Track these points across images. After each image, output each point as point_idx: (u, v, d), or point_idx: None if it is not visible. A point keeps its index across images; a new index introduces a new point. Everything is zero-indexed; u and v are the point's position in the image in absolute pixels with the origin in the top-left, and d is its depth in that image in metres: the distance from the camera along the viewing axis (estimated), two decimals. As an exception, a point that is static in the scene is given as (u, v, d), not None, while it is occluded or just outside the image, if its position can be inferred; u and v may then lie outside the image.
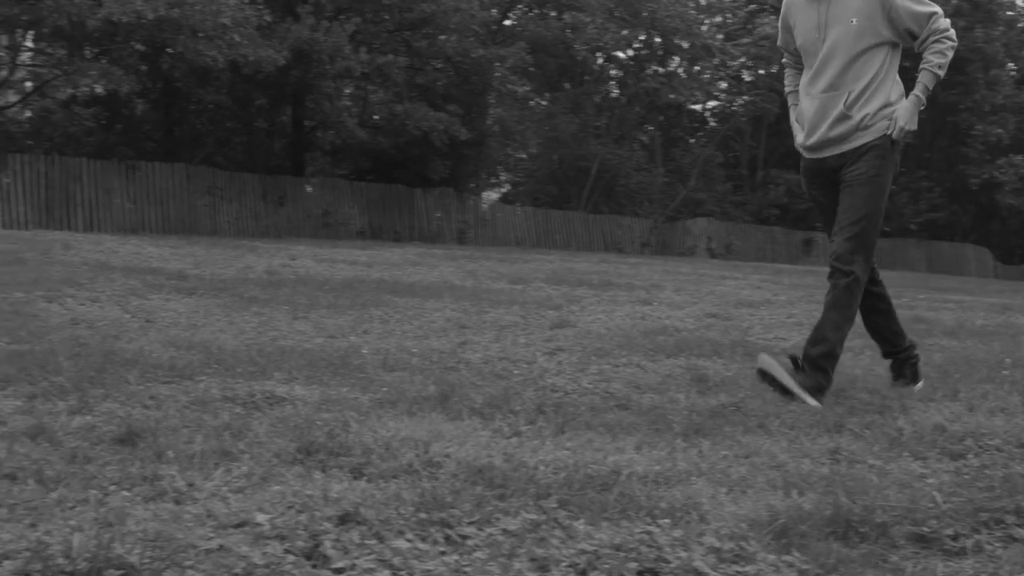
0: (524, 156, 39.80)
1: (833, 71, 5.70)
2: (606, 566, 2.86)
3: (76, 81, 25.49)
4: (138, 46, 26.20)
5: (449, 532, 3.05)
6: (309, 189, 29.39)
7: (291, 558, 2.81)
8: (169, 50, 24.69)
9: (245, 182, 27.73)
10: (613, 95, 38.65)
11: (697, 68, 37.41)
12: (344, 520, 3.07)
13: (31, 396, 4.97)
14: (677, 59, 37.05)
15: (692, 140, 43.42)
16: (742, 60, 38.97)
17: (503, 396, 5.25)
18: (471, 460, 3.81)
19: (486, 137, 33.20)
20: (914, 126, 5.68)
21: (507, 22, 35.50)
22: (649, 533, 3.08)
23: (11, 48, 27.54)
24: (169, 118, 28.69)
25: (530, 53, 31.85)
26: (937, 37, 5.68)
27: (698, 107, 42.66)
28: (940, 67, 5.69)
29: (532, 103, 39.29)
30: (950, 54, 5.71)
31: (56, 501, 3.20)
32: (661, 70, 36.93)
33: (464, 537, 3.03)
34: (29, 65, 28.66)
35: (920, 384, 5.96)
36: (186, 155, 27.79)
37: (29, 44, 28.11)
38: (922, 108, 5.73)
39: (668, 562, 2.91)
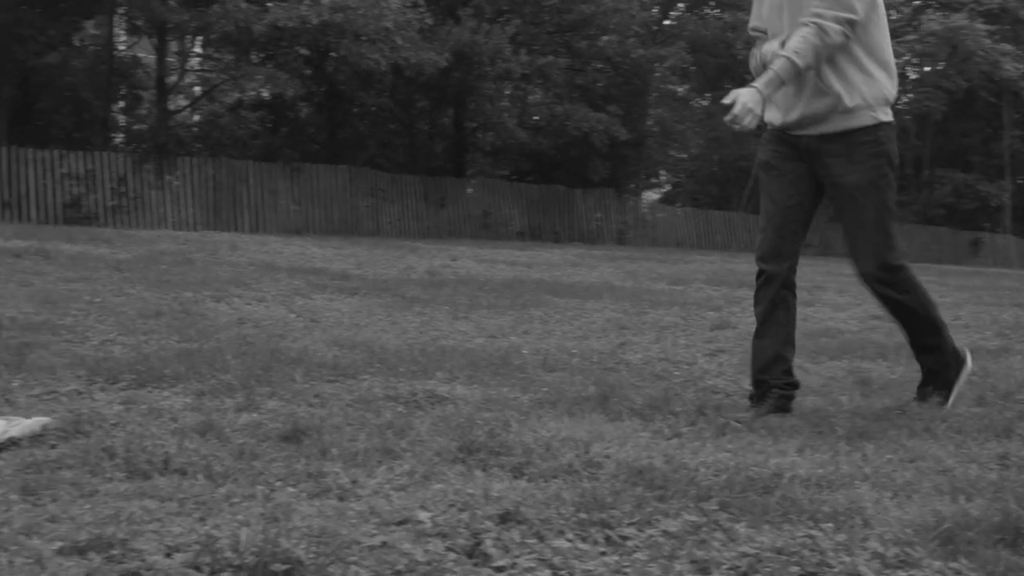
0: (684, 156, 39.58)
1: (789, 30, 5.04)
2: (768, 569, 2.83)
3: (243, 85, 26.05)
4: (303, 50, 26.67)
5: (609, 533, 3.04)
6: (470, 190, 29.60)
7: (452, 556, 2.83)
8: (333, 54, 25.07)
9: (407, 184, 28.03)
10: (774, 94, 38.20)
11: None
12: (505, 519, 3.09)
13: (200, 393, 5.09)
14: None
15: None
16: (907, 57, 38.19)
17: (663, 397, 5.22)
18: (631, 461, 3.80)
19: (646, 137, 33.09)
20: (751, 121, 4.84)
21: (667, 22, 35.34)
22: (812, 537, 3.04)
23: (181, 54, 28.24)
24: (333, 121, 29.12)
25: (690, 53, 31.67)
26: (809, 19, 4.89)
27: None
28: (797, 53, 4.86)
29: (692, 103, 39.05)
30: (816, 40, 4.85)
31: (224, 496, 3.27)
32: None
33: (624, 538, 3.02)
34: (198, 70, 29.37)
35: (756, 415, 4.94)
36: (349, 157, 28.18)
37: (198, 50, 28.79)
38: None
39: (831, 567, 2.86)
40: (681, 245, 31.62)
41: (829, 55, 4.96)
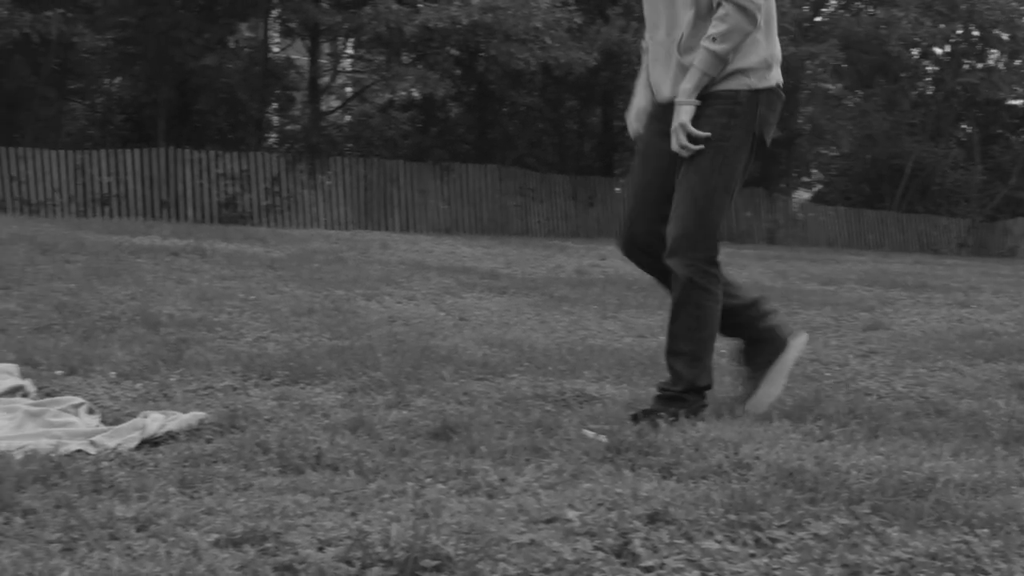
0: (836, 154, 38.99)
1: (664, 16, 4.64)
2: (921, 575, 2.78)
3: (394, 86, 26.29)
4: (453, 51, 26.83)
5: (759, 535, 3.02)
6: (618, 189, 29.51)
7: (600, 555, 2.83)
8: (483, 54, 25.19)
9: (555, 183, 28.06)
10: (928, 92, 37.45)
11: (1018, 62, 35.90)
12: (653, 519, 3.08)
13: (351, 390, 5.16)
14: (996, 52, 35.63)
15: (1012, 137, 41.68)
16: None
17: (814, 398, 5.16)
18: (781, 463, 3.76)
19: (797, 136, 32.68)
20: (680, 140, 4.48)
21: (818, 19, 34.83)
22: (966, 543, 2.98)
23: (333, 55, 28.63)
24: (482, 120, 29.28)
25: (842, 50, 31.20)
26: (724, 4, 4.41)
27: (1019, 102, 40.91)
28: (715, 40, 4.42)
29: (845, 101, 38.44)
30: (736, 20, 4.38)
31: (375, 492, 3.31)
32: (979, 65, 35.59)
33: (774, 540, 2.99)
34: (350, 71, 29.74)
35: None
36: (498, 156, 28.31)
37: (350, 51, 29.16)
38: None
39: (987, 573, 2.81)
40: (832, 244, 31.15)
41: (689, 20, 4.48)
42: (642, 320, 8.96)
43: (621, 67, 26.52)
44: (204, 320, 7.47)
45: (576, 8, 25.34)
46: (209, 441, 3.95)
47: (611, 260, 16.38)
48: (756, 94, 4.56)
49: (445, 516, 3.03)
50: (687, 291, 4.59)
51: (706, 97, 4.52)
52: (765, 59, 4.58)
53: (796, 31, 30.55)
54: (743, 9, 4.39)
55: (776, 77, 4.65)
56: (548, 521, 3.05)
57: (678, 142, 4.50)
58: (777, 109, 4.68)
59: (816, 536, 3.02)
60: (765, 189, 31.24)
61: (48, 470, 3.42)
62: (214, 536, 2.82)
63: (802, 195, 38.18)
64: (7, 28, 21.08)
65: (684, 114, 4.48)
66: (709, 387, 4.71)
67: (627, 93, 20.68)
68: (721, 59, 4.45)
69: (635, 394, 5.29)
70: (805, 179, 38.95)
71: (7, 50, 22.96)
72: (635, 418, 4.48)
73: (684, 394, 4.64)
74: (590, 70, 25.50)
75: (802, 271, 16.61)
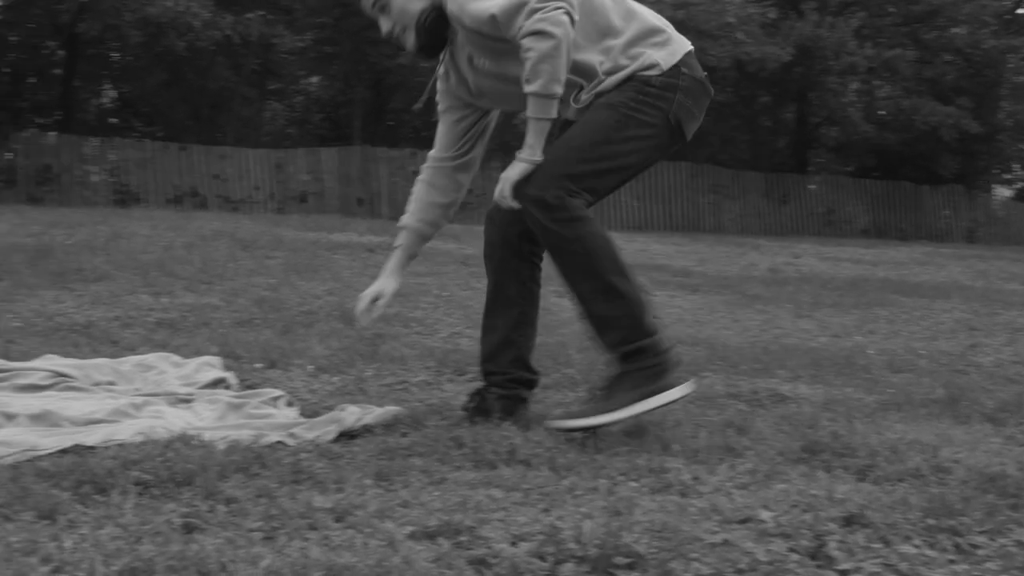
0: (1040, 150, 37.86)
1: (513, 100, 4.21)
2: None
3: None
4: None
5: (958, 540, 2.94)
6: (812, 187, 29.13)
7: (795, 557, 2.79)
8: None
9: (748, 180, 27.82)
10: None
11: None
12: (849, 522, 3.03)
13: (544, 387, 5.17)
14: None
15: None
16: None
17: (1016, 402, 5.02)
18: (982, 467, 3.66)
19: (998, 131, 31.82)
20: (503, 191, 4.03)
21: (1020, 11, 33.85)
22: None
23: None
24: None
25: (1048, 42, 30.28)
26: (523, 33, 3.91)
27: None
28: (528, 80, 3.91)
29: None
30: (536, 51, 3.86)
31: (568, 488, 3.32)
32: None
33: (974, 546, 2.92)
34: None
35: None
36: (690, 154, 28.18)
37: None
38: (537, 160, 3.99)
39: None
40: (1036, 243, 30.27)
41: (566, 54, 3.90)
42: (837, 319, 8.82)
43: (815, 62, 26.18)
44: (399, 316, 7.58)
45: (769, 3, 25.08)
46: (404, 435, 4.00)
47: (805, 258, 16.17)
48: (669, 77, 4.12)
49: (637, 514, 3.02)
50: (548, 224, 3.95)
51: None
52: (634, 50, 4.13)
53: (997, 24, 29.75)
54: (537, 33, 3.86)
55: (675, 58, 4.16)
56: (741, 521, 3.02)
57: (500, 192, 4.03)
58: (701, 101, 4.25)
59: (1019, 543, 2.94)
60: (964, 187, 30.47)
61: (249, 460, 3.51)
62: (409, 528, 2.86)
63: (1003, 192, 37.14)
64: (210, 30, 21.71)
65: (515, 170, 3.99)
66: (653, 334, 4.03)
67: (823, 88, 20.28)
68: (547, 95, 3.90)
69: (830, 394, 5.22)
70: (1007, 176, 37.90)
71: (209, 52, 23.64)
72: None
73: (628, 349, 4.00)
74: (784, 65, 25.23)
75: (1003, 271, 16.16)
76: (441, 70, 4.40)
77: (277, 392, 4.71)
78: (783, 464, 3.74)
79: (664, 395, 3.98)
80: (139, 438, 3.77)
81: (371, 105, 26.45)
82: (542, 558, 2.68)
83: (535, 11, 3.86)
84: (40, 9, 22.40)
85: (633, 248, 16.90)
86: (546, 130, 3.98)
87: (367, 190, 23.43)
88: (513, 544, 2.77)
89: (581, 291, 4.03)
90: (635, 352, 4.00)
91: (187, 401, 4.55)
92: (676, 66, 4.15)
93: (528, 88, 3.90)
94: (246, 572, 2.53)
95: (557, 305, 8.91)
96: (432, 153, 4.53)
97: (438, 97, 4.48)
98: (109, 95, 28.47)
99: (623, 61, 4.10)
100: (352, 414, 4.16)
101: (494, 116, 4.56)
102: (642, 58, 4.10)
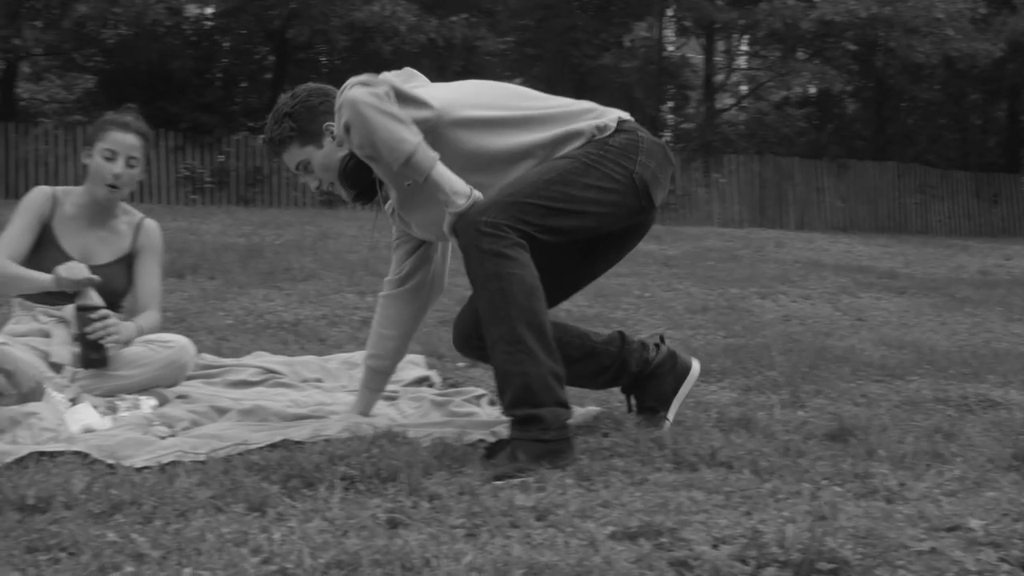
0: None
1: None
2: None
3: (789, 82, 26.05)
4: (850, 45, 26.32)
5: None
6: (1026, 187, 28.26)
7: (1006, 567, 2.71)
8: (881, 47, 24.61)
9: (957, 180, 27.12)
10: None
11: None
12: (1064, 532, 2.93)
13: (746, 389, 5.14)
14: None
15: None
16: None
17: None
18: None
19: None
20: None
21: None
22: None
23: (728, 53, 28.57)
24: (880, 116, 28.60)
25: None
26: (340, 133, 3.75)
27: None
28: (390, 157, 3.64)
29: None
30: (354, 123, 3.63)
31: (770, 492, 3.29)
32: None
33: None
34: (744, 68, 29.59)
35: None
36: (896, 153, 27.60)
37: (744, 48, 29.03)
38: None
39: None
40: None
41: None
42: (1051, 323, 8.55)
43: (1031, 58, 25.39)
44: (600, 316, 7.60)
45: (979, -2, 24.43)
46: (605, 435, 4.01)
47: (1017, 260, 15.71)
48: (628, 135, 3.91)
49: (842, 519, 2.97)
50: (472, 251, 3.63)
51: None
52: (574, 127, 3.89)
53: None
54: (339, 113, 3.70)
55: (625, 115, 3.98)
56: (950, 529, 2.94)
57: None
58: (664, 168, 3.97)
59: None
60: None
61: (453, 458, 3.55)
62: (610, 528, 2.86)
63: None
64: (415, 33, 22.02)
65: (448, 220, 3.68)
66: (555, 405, 3.68)
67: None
68: (404, 160, 3.59)
69: (1044, 400, 5.05)
70: None
71: (414, 55, 23.99)
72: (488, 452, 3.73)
73: (520, 414, 3.65)
74: (995, 62, 24.51)
75: None
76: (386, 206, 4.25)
77: (480, 391, 4.76)
78: (993, 471, 3.64)
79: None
80: (346, 434, 3.84)
81: (571, 106, 26.54)
82: (744, 561, 2.66)
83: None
84: (251, 16, 22.99)
85: (837, 249, 16.63)
86: (444, 175, 3.64)
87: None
88: (714, 547, 2.75)
89: (490, 335, 3.64)
90: (527, 419, 3.63)
91: (391, 399, 4.62)
92: (632, 124, 3.95)
93: (394, 167, 3.67)
94: (449, 568, 2.56)
95: (759, 307, 8.82)
96: (386, 278, 4.40)
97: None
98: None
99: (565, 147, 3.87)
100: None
101: (439, 246, 4.37)
102: (588, 127, 3.89)
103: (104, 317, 4.64)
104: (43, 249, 4.87)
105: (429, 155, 3.62)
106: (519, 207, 3.67)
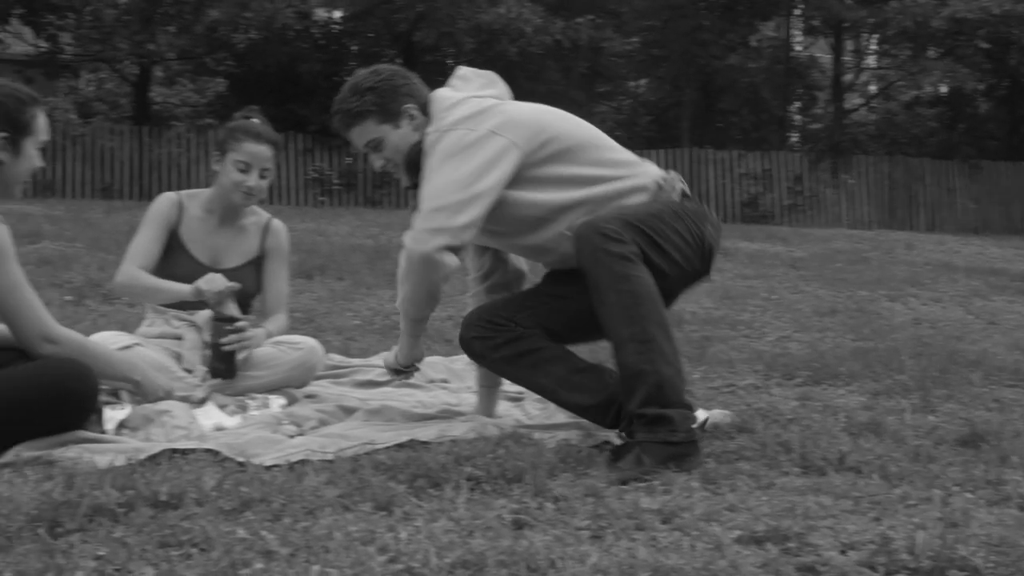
0: None
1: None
2: None
3: (919, 81, 25.64)
4: (982, 43, 25.84)
5: None
6: None
7: None
8: (1015, 45, 24.12)
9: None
10: None
11: None
12: None
13: (875, 393, 5.07)
14: None
15: None
16: None
17: None
18: None
19: None
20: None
21: None
22: None
23: (856, 52, 28.21)
24: (1014, 115, 28.03)
25: None
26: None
27: None
28: (398, 299, 4.14)
29: None
30: (402, 266, 4.04)
31: (899, 497, 3.24)
32: None
33: None
34: (874, 68, 29.20)
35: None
36: (1033, 152, 27.04)
37: (874, 47, 28.65)
38: None
39: None
40: None
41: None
42: None
43: None
44: (726, 318, 7.55)
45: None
46: (732, 438, 3.98)
47: None
48: (696, 205, 4.11)
49: (974, 526, 2.92)
50: (599, 255, 3.68)
51: None
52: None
53: None
54: (405, 247, 3.98)
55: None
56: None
57: None
58: (719, 244, 4.13)
59: None
60: None
61: (578, 459, 3.55)
62: (736, 532, 2.84)
63: None
64: (541, 35, 22.08)
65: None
66: (684, 408, 3.72)
67: None
68: (401, 311, 4.14)
69: None
70: None
71: (539, 56, 24.05)
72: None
73: (650, 413, 3.64)
74: None
75: None
76: None
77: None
78: None
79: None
80: (472, 435, 3.87)
81: (699, 107, 26.40)
82: (873, 568, 2.62)
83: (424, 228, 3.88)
84: (379, 19, 23.24)
85: (969, 251, 16.34)
86: (410, 330, 4.15)
87: (694, 192, 23.36)
88: (843, 552, 2.72)
89: (619, 335, 3.65)
90: (656, 420, 3.63)
91: (517, 400, 4.64)
92: (691, 195, 4.12)
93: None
94: (574, 569, 2.56)
95: (889, 309, 8.70)
96: (468, 277, 4.50)
97: None
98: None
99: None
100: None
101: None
102: (651, 183, 4.03)
103: (240, 330, 4.66)
104: (172, 255, 4.93)
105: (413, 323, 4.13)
106: (634, 228, 3.74)
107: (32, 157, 3.86)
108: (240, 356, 4.67)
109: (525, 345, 3.96)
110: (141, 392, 4.16)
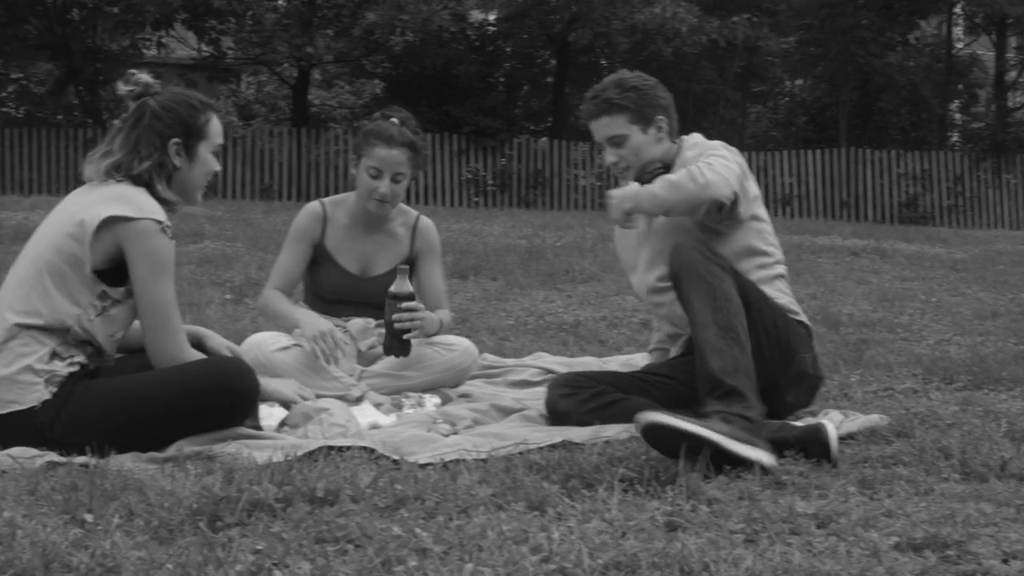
0: None
1: None
2: None
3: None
4: None
5: None
6: None
7: None
8: None
9: None
10: None
11: None
12: None
13: (1037, 397, 4.95)
14: None
15: None
16: None
17: None
18: None
19: None
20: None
21: None
22: None
23: (1020, 49, 27.53)
24: None
25: None
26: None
27: None
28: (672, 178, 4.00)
29: None
30: (696, 179, 3.95)
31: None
32: None
33: None
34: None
35: None
36: None
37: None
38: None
39: None
40: None
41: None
42: None
43: None
44: (884, 321, 7.43)
45: None
46: (889, 443, 3.92)
47: None
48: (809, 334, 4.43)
49: None
50: (702, 256, 3.90)
51: None
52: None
53: None
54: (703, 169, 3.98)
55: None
56: None
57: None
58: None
59: None
60: None
61: (731, 461, 3.53)
62: (893, 539, 2.80)
63: None
64: (697, 35, 21.95)
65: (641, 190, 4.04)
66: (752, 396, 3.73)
67: None
68: (665, 187, 3.98)
69: None
70: None
71: (694, 56, 23.92)
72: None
73: (728, 385, 3.68)
74: None
75: None
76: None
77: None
78: None
79: (751, 449, 3.46)
80: (625, 435, 3.86)
81: (857, 106, 26.00)
82: (1036, 577, 2.57)
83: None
84: (534, 20, 23.31)
85: None
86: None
87: (852, 193, 23.05)
88: (1004, 562, 2.66)
89: (702, 318, 3.74)
90: (732, 393, 3.63)
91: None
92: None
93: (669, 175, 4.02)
94: (728, 573, 2.55)
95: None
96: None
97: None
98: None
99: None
100: (834, 420, 4.10)
101: None
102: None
103: (413, 308, 4.66)
104: (321, 267, 4.98)
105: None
106: (731, 267, 3.99)
107: (207, 161, 3.96)
108: (412, 335, 4.66)
109: (610, 398, 4.16)
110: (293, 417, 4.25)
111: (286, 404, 4.18)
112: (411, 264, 5.04)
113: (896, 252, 13.24)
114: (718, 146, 4.20)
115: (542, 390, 4.82)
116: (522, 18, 23.56)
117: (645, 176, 4.18)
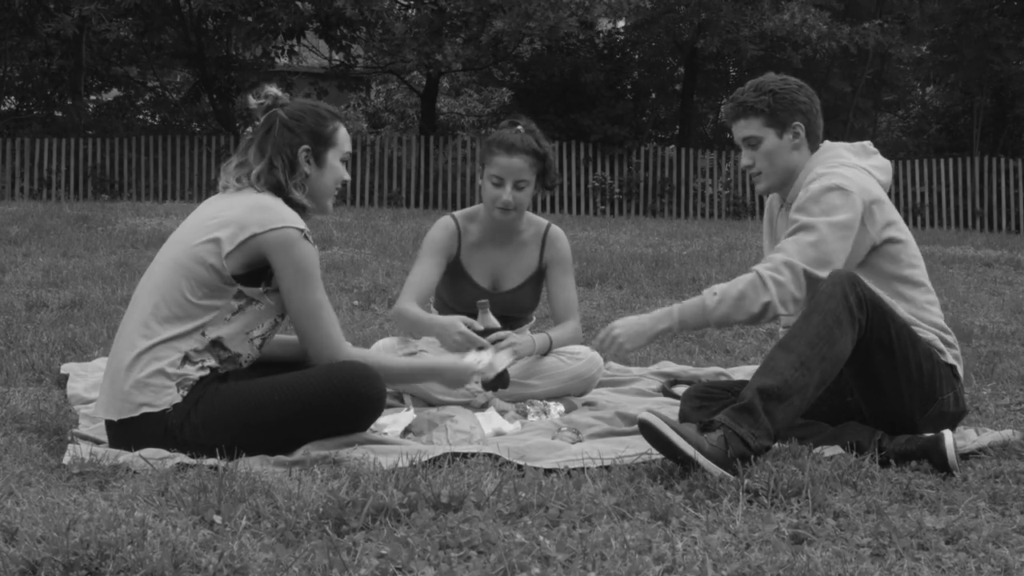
0: None
1: None
2: None
3: None
4: None
5: None
6: None
7: None
8: None
9: None
10: None
11: None
12: None
13: None
14: None
15: None
16: None
17: None
18: None
19: None
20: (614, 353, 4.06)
21: None
22: None
23: None
24: None
25: None
26: (763, 264, 4.08)
27: None
28: (715, 293, 4.02)
29: None
30: (749, 290, 3.96)
31: None
32: None
33: None
34: None
35: None
36: None
37: None
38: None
39: None
40: None
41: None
42: None
43: None
44: (1018, 333, 7.28)
45: None
46: (1021, 458, 3.84)
47: None
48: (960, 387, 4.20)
49: None
50: (838, 293, 3.81)
51: None
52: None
53: None
54: (764, 284, 3.99)
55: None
56: None
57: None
58: None
59: None
60: None
61: (858, 474, 3.48)
62: (1028, 556, 2.75)
63: None
64: (827, 41, 21.71)
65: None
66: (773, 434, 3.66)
67: None
68: (706, 315, 4.02)
69: None
70: None
71: (824, 63, 23.68)
72: None
73: (755, 401, 3.62)
74: None
75: None
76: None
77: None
78: None
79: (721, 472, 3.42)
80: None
81: (991, 114, 25.53)
82: None
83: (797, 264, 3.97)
84: (662, 28, 23.26)
85: None
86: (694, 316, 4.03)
87: (985, 202, 22.61)
88: None
89: (794, 344, 3.69)
90: (749, 410, 3.58)
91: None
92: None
93: (708, 293, 4.02)
94: (854, 587, 2.52)
95: None
96: None
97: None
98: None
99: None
100: (968, 438, 4.03)
101: None
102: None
103: (497, 340, 4.65)
104: (455, 282, 5.01)
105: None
106: (881, 312, 3.84)
107: (336, 169, 4.03)
108: (508, 365, 4.60)
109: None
110: (448, 382, 4.29)
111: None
112: (538, 277, 5.06)
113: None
114: (834, 197, 4.05)
115: (665, 400, 4.82)
116: (650, 26, 23.52)
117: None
